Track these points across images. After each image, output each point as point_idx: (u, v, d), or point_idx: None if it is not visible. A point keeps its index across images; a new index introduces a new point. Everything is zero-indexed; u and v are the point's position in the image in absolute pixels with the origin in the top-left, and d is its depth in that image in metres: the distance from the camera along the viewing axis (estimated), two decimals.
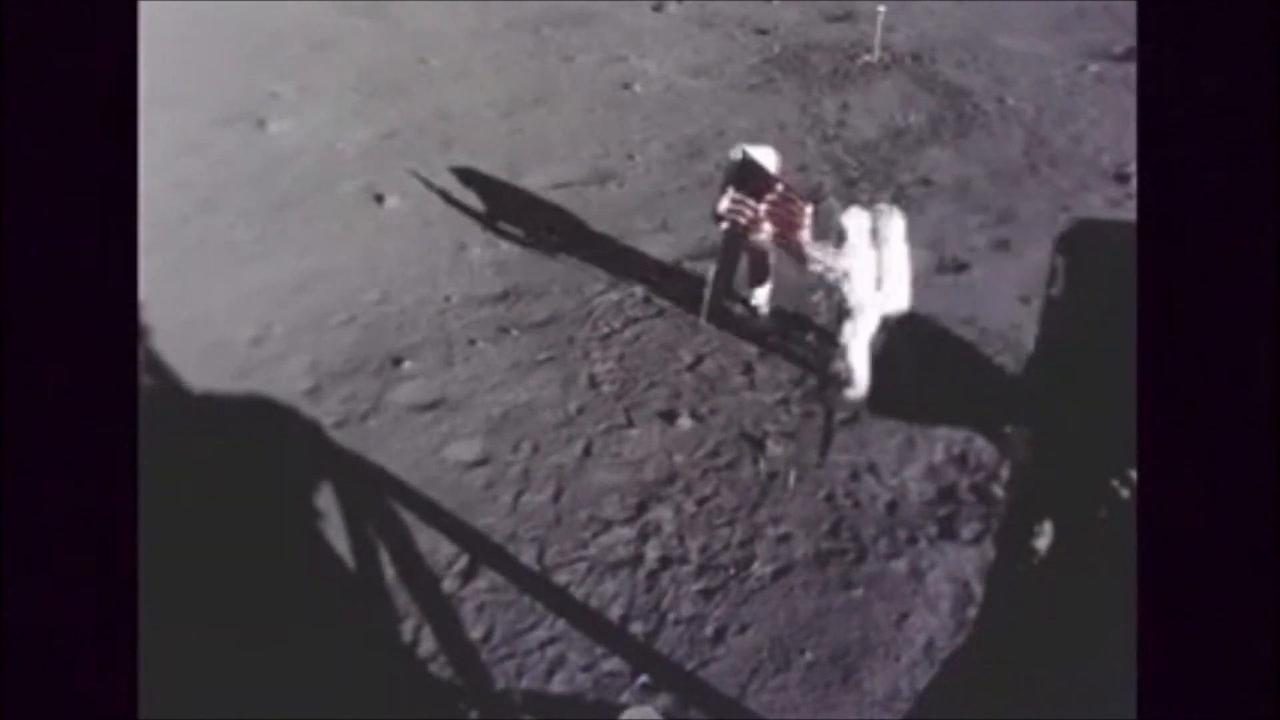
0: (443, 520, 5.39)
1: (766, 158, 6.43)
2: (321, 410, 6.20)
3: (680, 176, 8.75)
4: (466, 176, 8.77)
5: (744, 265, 6.86)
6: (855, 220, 5.91)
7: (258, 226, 8.15)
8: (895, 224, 5.93)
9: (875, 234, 5.91)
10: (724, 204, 6.25)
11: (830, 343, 6.34)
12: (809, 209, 6.10)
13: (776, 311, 6.85)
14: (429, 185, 8.60)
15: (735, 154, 6.42)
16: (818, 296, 6.88)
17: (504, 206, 8.32)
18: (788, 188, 6.17)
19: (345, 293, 7.30)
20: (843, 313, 6.06)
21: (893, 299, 6.02)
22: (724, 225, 6.38)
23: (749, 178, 6.22)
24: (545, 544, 5.25)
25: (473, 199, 8.44)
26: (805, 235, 6.10)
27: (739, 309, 6.88)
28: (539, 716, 4.45)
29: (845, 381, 6.16)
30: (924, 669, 4.55)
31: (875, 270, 5.93)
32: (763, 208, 6.13)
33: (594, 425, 6.04)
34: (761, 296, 6.84)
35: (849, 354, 6.09)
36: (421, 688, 4.56)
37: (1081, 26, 11.37)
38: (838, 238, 5.92)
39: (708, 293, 6.72)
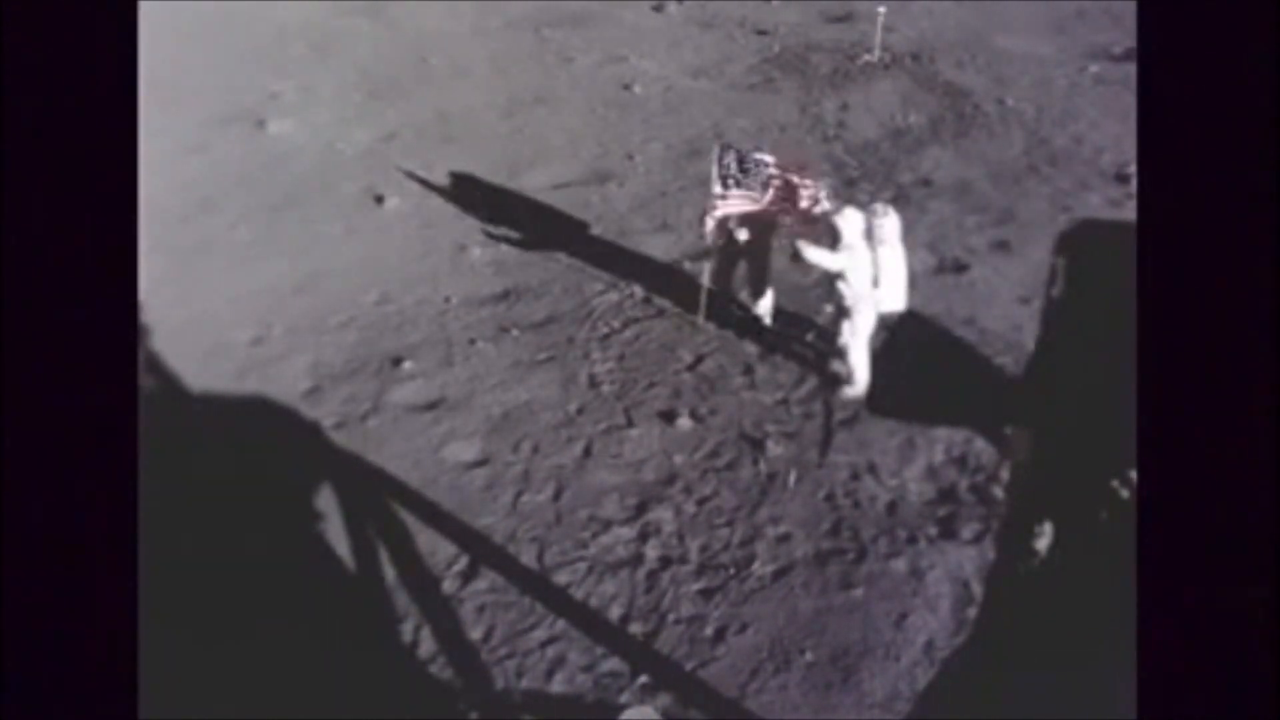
0: (443, 521, 5.39)
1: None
2: (321, 411, 6.19)
3: (680, 177, 8.75)
4: (466, 177, 8.77)
5: (743, 270, 6.84)
6: (850, 221, 5.92)
7: (258, 226, 8.15)
8: (890, 224, 5.94)
9: (870, 234, 5.92)
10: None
11: (830, 343, 6.35)
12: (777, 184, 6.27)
13: (776, 312, 6.84)
14: (429, 185, 8.60)
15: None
16: (817, 295, 6.89)
17: (504, 207, 8.32)
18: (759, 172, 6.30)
19: (345, 293, 7.30)
20: (841, 312, 6.07)
21: (889, 298, 6.03)
22: (711, 224, 6.45)
23: (721, 172, 6.31)
24: (545, 544, 5.25)
25: (473, 199, 8.44)
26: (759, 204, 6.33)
27: (738, 312, 6.86)
28: (539, 716, 4.44)
29: (845, 381, 6.16)
30: (924, 669, 4.55)
31: (872, 270, 5.94)
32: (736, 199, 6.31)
33: (594, 425, 6.03)
34: (764, 307, 6.77)
35: (848, 354, 6.10)
36: (421, 688, 4.56)
37: (1081, 27, 11.37)
38: (832, 239, 5.93)
39: (703, 292, 6.72)
